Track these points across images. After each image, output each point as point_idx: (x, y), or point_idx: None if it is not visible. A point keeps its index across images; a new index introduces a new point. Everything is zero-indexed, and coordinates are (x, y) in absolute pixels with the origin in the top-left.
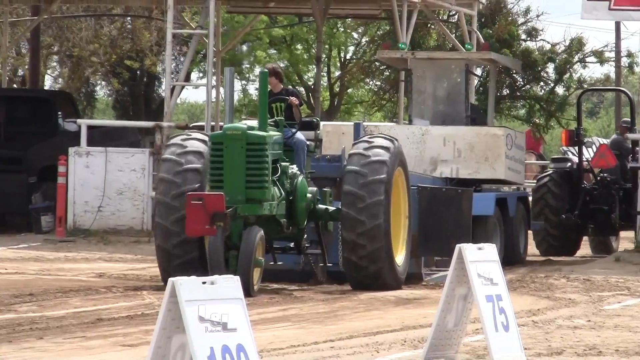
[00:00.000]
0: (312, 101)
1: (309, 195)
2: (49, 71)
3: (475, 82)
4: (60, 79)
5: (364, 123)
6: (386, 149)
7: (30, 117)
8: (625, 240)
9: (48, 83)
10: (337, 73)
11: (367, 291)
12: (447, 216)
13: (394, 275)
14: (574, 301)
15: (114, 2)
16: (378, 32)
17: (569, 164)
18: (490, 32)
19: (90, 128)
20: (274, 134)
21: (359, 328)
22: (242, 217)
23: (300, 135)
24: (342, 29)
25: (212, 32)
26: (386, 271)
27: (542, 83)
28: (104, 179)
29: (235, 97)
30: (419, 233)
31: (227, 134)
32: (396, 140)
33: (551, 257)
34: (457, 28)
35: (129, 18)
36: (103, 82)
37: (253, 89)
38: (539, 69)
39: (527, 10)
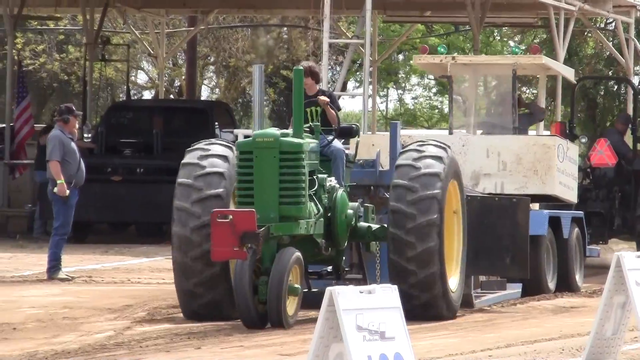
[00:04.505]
0: None
1: (349, 211)
2: (205, 81)
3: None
4: (216, 89)
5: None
6: (439, 158)
7: (187, 127)
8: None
9: (205, 93)
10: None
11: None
12: (500, 229)
13: (447, 303)
14: None
15: (270, 13)
16: (535, 41)
17: None
18: None
19: (247, 138)
20: (310, 141)
21: (516, 336)
22: (276, 238)
23: (338, 143)
24: (499, 38)
25: (368, 41)
26: (440, 300)
27: None
28: None
29: (391, 107)
30: (469, 249)
31: (258, 142)
32: (449, 147)
33: None
34: (615, 36)
35: (285, 28)
36: None
37: (409, 98)
38: None
39: None
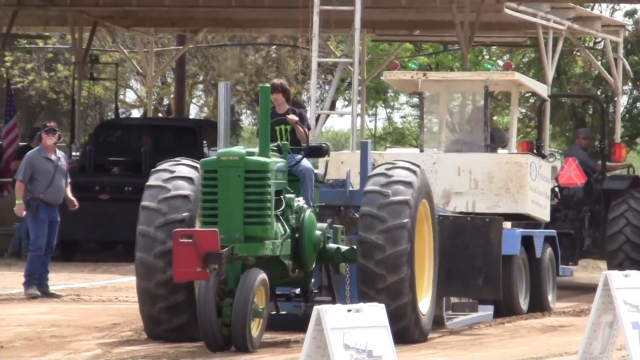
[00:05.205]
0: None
1: (317, 232)
2: (194, 100)
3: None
4: (205, 108)
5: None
6: (408, 184)
7: (175, 146)
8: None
9: (193, 112)
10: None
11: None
12: (473, 250)
13: (420, 328)
14: None
15: (259, 32)
16: (523, 60)
17: None
18: (637, 59)
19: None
20: (277, 160)
21: (504, 355)
22: (240, 259)
23: (306, 162)
24: (488, 57)
25: (357, 60)
26: (412, 327)
27: None
28: None
29: (380, 125)
30: (440, 270)
31: (222, 160)
32: (419, 167)
33: None
34: (603, 55)
35: (274, 47)
36: (248, 111)
37: (398, 117)
38: None
39: None
